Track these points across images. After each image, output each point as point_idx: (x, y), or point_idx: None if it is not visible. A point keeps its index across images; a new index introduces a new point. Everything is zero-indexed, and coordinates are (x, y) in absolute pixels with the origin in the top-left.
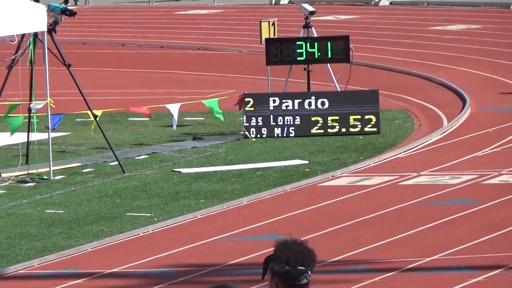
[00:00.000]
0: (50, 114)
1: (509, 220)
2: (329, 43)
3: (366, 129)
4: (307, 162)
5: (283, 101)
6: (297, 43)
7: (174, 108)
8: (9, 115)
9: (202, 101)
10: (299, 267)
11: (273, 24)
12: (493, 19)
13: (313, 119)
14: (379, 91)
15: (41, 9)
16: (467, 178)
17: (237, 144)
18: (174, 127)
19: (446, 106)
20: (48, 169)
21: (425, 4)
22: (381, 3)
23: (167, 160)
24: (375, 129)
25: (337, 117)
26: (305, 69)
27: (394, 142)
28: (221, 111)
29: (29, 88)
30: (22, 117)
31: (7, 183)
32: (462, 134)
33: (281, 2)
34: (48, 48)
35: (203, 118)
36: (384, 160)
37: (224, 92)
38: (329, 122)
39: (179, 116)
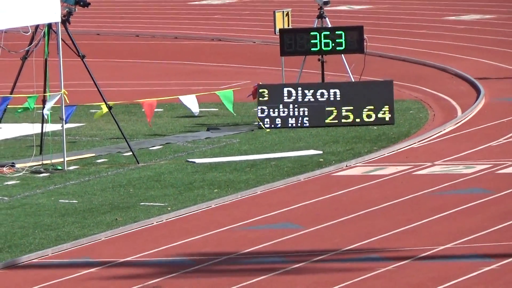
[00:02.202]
0: (64, 106)
1: None
2: (343, 33)
3: (380, 119)
4: (321, 152)
5: (297, 91)
6: (311, 33)
7: (188, 100)
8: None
9: (216, 92)
10: None
11: (287, 14)
12: (507, 9)
13: (327, 109)
14: (393, 82)
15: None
16: (481, 167)
17: (251, 135)
18: (196, 112)
19: (460, 96)
20: (62, 159)
21: None
22: None
23: (181, 151)
24: (389, 119)
25: (351, 108)
26: (319, 59)
27: (408, 132)
28: (232, 101)
29: (44, 79)
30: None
31: (21, 174)
32: (476, 124)
33: None
34: (62, 39)
35: (217, 109)
36: (398, 150)
37: (238, 83)
38: (343, 112)
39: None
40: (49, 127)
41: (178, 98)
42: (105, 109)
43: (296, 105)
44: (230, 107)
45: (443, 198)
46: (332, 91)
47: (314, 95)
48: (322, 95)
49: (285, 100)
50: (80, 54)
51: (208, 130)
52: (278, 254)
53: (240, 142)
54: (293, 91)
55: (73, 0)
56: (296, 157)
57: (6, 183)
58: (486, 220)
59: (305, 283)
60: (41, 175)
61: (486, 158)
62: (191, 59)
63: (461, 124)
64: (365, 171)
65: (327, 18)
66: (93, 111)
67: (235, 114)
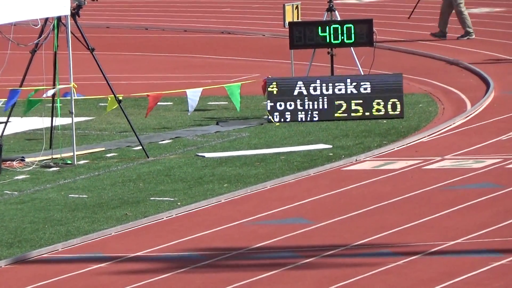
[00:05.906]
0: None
1: None
2: (352, 26)
3: (389, 113)
4: (331, 146)
5: (307, 85)
6: (321, 26)
7: (192, 93)
8: (30, 98)
9: (224, 85)
10: None
11: (297, 7)
12: None
13: (336, 103)
14: (403, 75)
15: None
16: (491, 162)
17: (261, 129)
18: (190, 111)
19: (470, 90)
20: (71, 153)
21: None
22: None
23: (190, 145)
24: (398, 113)
25: (361, 101)
26: (328, 53)
27: (418, 126)
28: (239, 98)
29: (53, 72)
30: (39, 100)
31: (30, 168)
32: (486, 118)
33: None
34: (71, 32)
35: (226, 102)
36: (408, 144)
37: (247, 76)
38: (352, 106)
39: (202, 101)
40: (59, 121)
41: (185, 91)
42: (112, 101)
43: (305, 99)
44: (237, 104)
45: (453, 192)
46: (341, 84)
47: (323, 88)
48: (331, 88)
49: (294, 94)
50: (90, 47)
51: (217, 124)
52: (288, 249)
53: (250, 136)
54: (303, 85)
55: None
56: (306, 151)
57: (16, 177)
58: (496, 215)
59: (316, 278)
60: (51, 169)
61: (496, 152)
62: (201, 52)
63: (470, 117)
64: (375, 165)
65: (336, 11)
66: (103, 104)
67: (239, 111)
